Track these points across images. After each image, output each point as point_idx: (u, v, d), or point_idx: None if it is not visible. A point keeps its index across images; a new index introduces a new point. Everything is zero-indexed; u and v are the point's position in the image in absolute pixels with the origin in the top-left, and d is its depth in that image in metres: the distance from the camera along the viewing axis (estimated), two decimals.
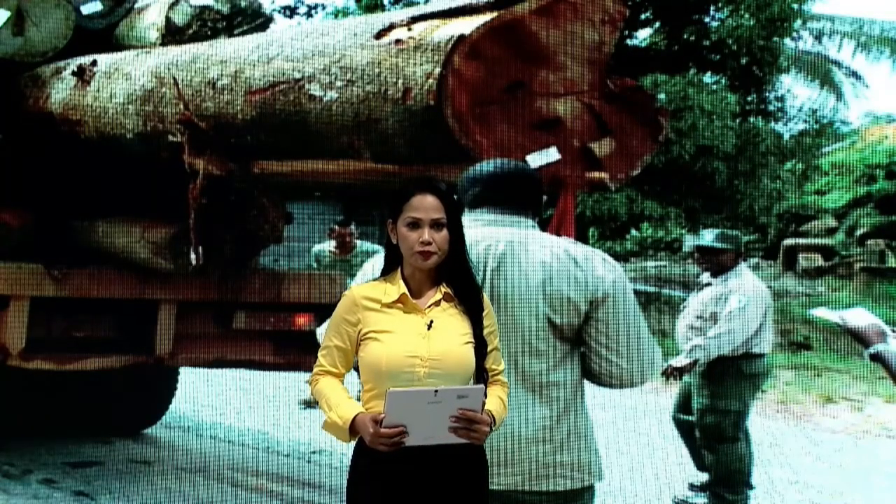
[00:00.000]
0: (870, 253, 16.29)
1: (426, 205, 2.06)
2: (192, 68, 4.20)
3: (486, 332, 2.09)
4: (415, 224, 2.05)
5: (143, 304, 4.96)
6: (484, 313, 2.10)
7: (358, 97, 3.42)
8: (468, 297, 2.09)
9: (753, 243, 18.63)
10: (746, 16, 13.16)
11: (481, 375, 2.07)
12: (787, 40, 14.83)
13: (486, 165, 2.48)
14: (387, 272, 2.14)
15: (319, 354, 2.16)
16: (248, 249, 4.94)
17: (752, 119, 14.26)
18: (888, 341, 2.22)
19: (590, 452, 2.33)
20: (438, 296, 2.08)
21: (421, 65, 3.20)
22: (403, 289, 2.08)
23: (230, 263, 4.82)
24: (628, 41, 14.69)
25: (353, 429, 2.02)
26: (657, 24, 14.89)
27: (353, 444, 2.09)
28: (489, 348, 2.09)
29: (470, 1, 3.33)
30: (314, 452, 6.15)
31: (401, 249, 2.09)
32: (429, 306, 2.07)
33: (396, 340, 2.03)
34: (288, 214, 4.92)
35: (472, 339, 2.06)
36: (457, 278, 2.10)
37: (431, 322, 2.05)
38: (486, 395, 2.01)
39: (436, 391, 1.93)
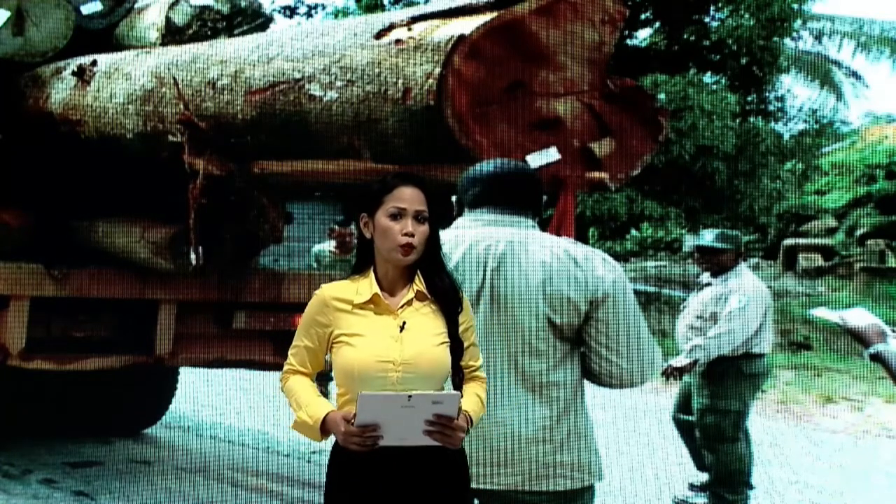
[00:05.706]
0: (870, 253, 16.28)
1: (411, 196, 2.02)
2: (192, 68, 4.20)
3: (461, 329, 2.04)
4: (398, 214, 2.00)
5: (143, 304, 4.96)
6: (459, 310, 2.05)
7: (358, 97, 3.42)
8: (443, 294, 2.04)
9: (753, 243, 18.62)
10: (746, 16, 13.17)
11: (457, 375, 2.03)
12: (787, 40, 14.84)
13: (486, 165, 2.47)
14: (359, 269, 2.09)
15: (290, 353, 2.14)
16: (248, 249, 4.94)
17: (752, 119, 14.26)
18: (888, 341, 2.22)
19: (590, 452, 2.33)
20: (411, 294, 2.03)
21: (421, 65, 3.20)
22: (376, 288, 2.03)
23: (230, 263, 4.82)
24: (628, 41, 14.69)
25: (325, 428, 1.98)
26: (657, 24, 14.90)
27: None
28: (465, 345, 2.04)
29: (470, 1, 3.33)
30: (314, 452, 6.14)
31: (378, 244, 2.03)
32: (401, 306, 2.03)
33: (368, 344, 1.98)
34: (288, 214, 4.91)
35: (447, 339, 2.01)
36: (432, 275, 2.05)
37: (404, 324, 2.00)
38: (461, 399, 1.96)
39: (409, 396, 1.87)
